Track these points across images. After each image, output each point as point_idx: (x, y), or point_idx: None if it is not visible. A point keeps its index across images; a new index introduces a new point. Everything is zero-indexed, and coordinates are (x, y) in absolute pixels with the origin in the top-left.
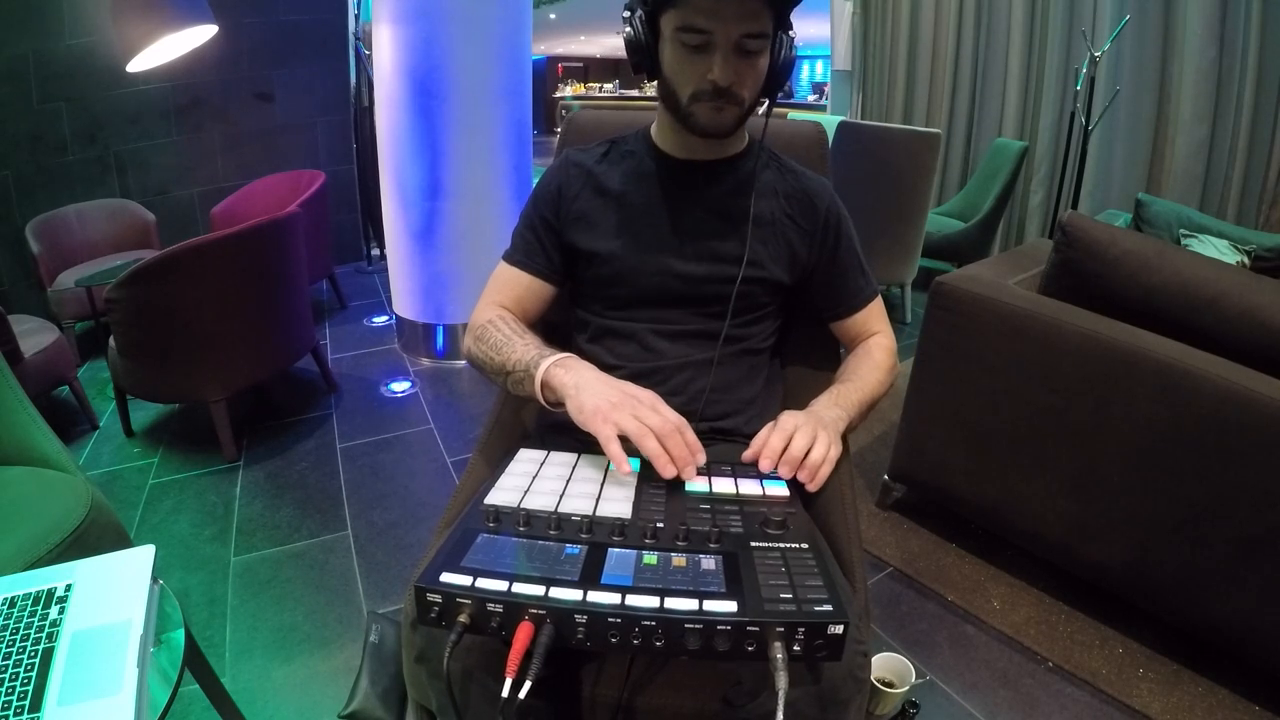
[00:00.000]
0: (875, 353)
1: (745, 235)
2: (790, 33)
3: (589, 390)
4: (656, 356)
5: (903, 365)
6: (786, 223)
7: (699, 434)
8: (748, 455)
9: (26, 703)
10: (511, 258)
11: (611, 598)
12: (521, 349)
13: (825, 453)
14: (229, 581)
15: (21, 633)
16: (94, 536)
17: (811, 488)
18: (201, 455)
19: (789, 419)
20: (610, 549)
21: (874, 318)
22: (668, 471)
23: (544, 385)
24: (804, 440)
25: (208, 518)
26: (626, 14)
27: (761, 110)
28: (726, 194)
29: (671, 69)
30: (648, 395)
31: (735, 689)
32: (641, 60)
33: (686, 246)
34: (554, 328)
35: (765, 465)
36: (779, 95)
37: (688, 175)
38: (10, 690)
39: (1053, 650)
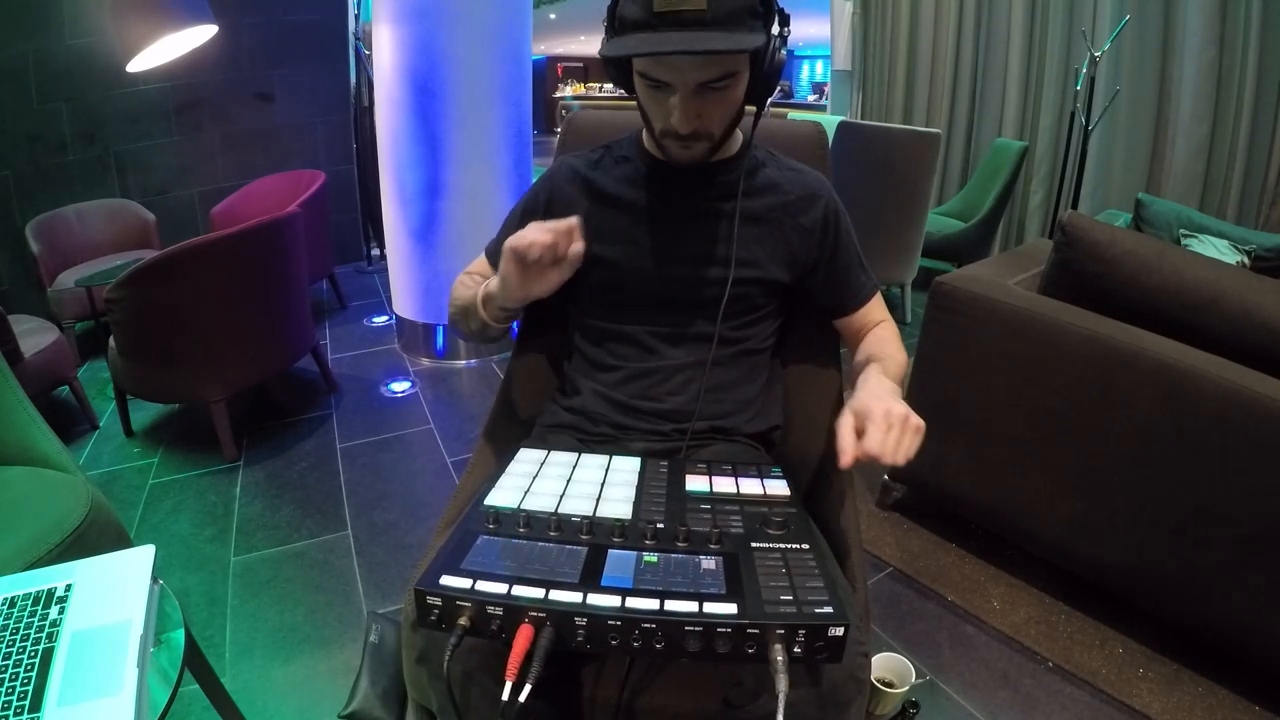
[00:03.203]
0: (890, 336)
1: (740, 238)
2: (784, 31)
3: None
4: (656, 358)
5: None
6: (785, 220)
7: (699, 433)
8: (846, 461)
9: (26, 703)
10: (492, 258)
11: (611, 600)
12: (479, 288)
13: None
14: (229, 581)
15: (21, 633)
16: (94, 536)
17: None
18: (201, 455)
19: (878, 411)
20: (610, 550)
21: (876, 310)
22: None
23: (485, 300)
24: (912, 438)
25: (208, 518)
26: (605, 23)
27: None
28: (719, 197)
29: (641, 99)
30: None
31: (736, 690)
32: (616, 77)
33: (681, 251)
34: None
35: (887, 460)
36: (779, 96)
37: (680, 179)
38: (10, 690)
39: (1053, 650)
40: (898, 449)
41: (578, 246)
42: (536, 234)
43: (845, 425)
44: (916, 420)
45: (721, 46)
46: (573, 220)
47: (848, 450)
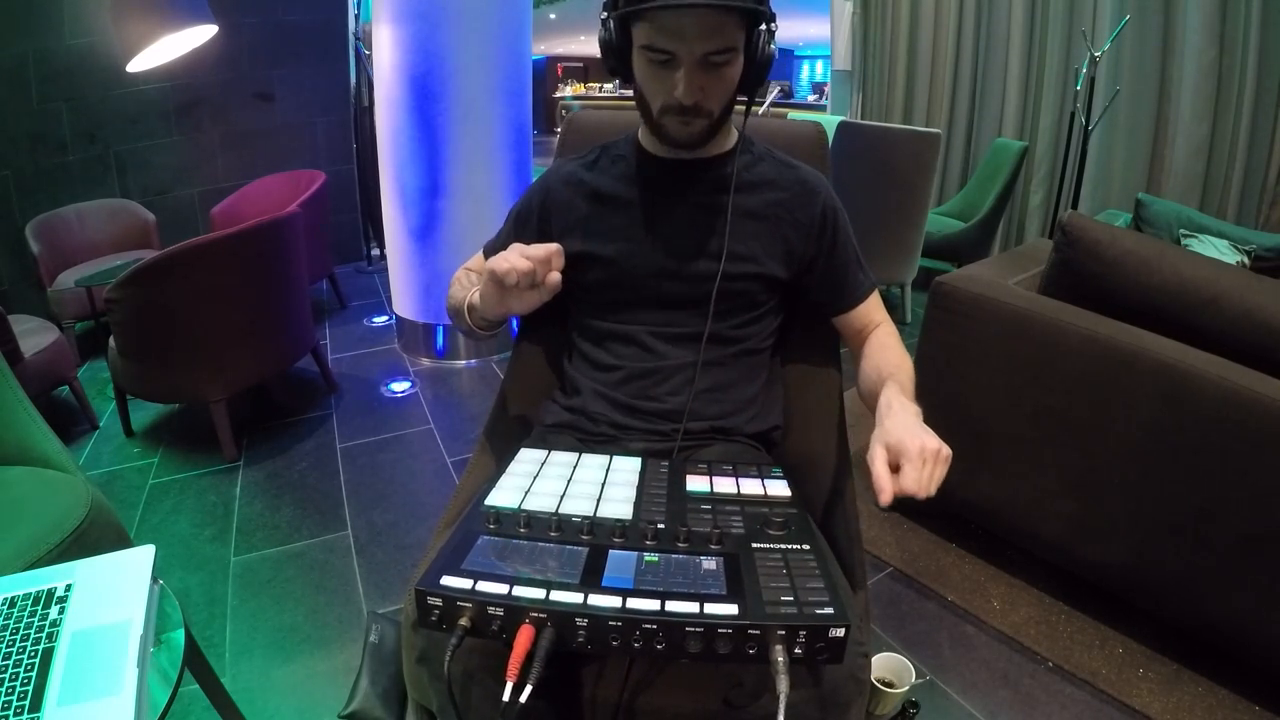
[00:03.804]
0: (893, 343)
1: (736, 233)
2: (771, 26)
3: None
4: (657, 357)
5: None
6: (783, 216)
7: (699, 433)
8: (886, 499)
9: (26, 703)
10: (490, 255)
11: (612, 601)
12: (467, 292)
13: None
14: (229, 581)
15: (21, 633)
16: (94, 536)
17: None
18: (201, 455)
19: (914, 448)
20: (611, 550)
21: (875, 308)
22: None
23: (469, 307)
24: (943, 470)
25: (208, 518)
26: (603, 15)
27: (742, 108)
28: (714, 192)
29: (641, 80)
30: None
31: (736, 690)
32: (614, 66)
33: (678, 246)
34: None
35: (921, 496)
36: (779, 96)
37: (675, 175)
38: (10, 690)
39: (1053, 650)
40: (930, 483)
41: (555, 276)
42: (516, 260)
43: (880, 461)
44: (947, 451)
45: (728, 2)
46: (553, 246)
47: (886, 489)
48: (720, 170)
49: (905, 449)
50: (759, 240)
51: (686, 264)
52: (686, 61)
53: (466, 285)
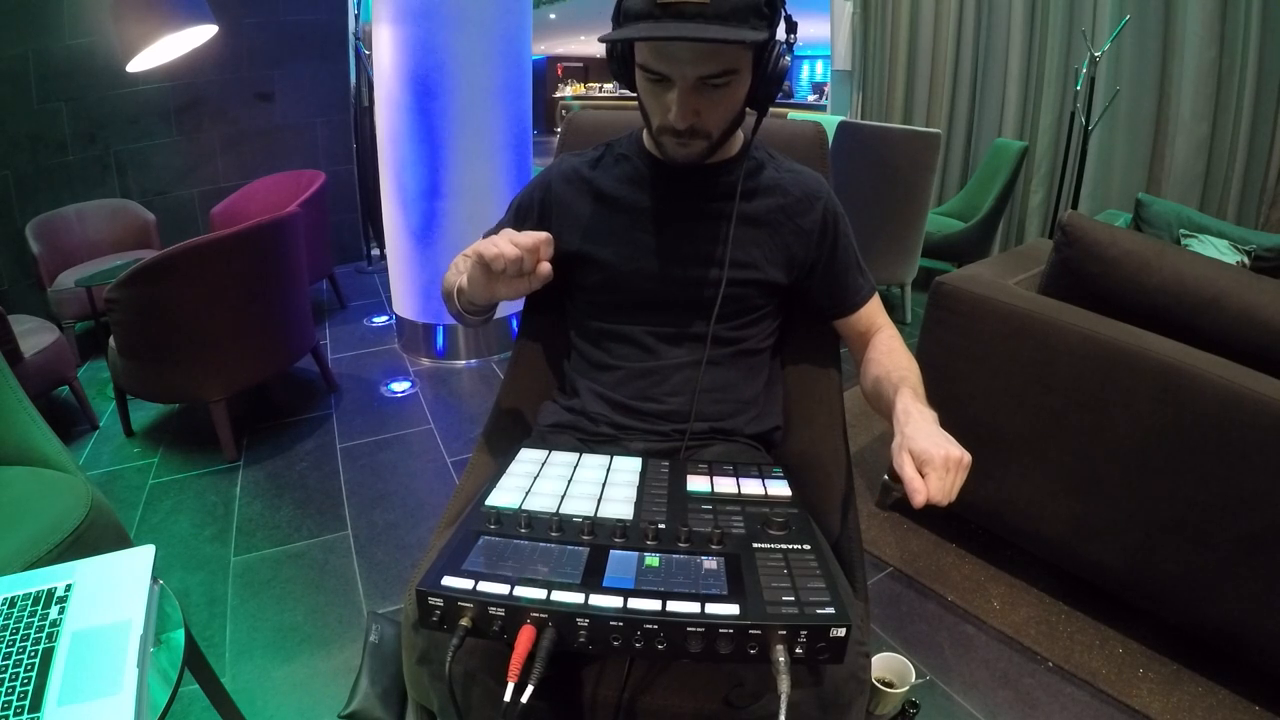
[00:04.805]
0: (899, 347)
1: (738, 240)
2: (789, 38)
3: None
4: (656, 358)
5: None
6: (784, 222)
7: (699, 433)
8: (920, 501)
9: (26, 703)
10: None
11: (613, 601)
12: (463, 274)
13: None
14: (229, 581)
15: (21, 633)
16: (94, 536)
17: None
18: (201, 455)
19: (939, 457)
20: (612, 550)
21: (876, 312)
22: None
23: (459, 291)
24: (963, 477)
25: (208, 518)
26: (612, 20)
27: (753, 120)
28: (718, 198)
29: (640, 96)
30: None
31: (737, 690)
32: (618, 72)
33: (680, 252)
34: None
35: (943, 503)
36: (779, 95)
37: (680, 180)
38: (10, 690)
39: (1053, 650)
40: (953, 491)
41: (545, 266)
42: (505, 246)
43: (909, 467)
44: (968, 459)
45: (718, 36)
46: (542, 235)
47: (921, 490)
48: (724, 177)
49: (930, 457)
50: (760, 247)
51: (687, 270)
52: (680, 85)
53: (461, 270)
